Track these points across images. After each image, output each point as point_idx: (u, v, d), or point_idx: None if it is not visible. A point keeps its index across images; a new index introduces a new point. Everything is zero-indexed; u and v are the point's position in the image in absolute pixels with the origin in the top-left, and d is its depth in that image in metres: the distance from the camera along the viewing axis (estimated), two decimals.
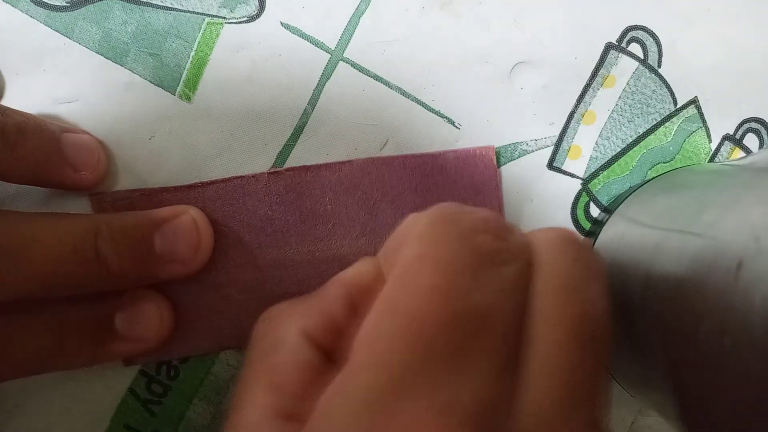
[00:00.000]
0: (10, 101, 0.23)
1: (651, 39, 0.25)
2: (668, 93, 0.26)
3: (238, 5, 0.23)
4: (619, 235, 0.23)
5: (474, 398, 0.13)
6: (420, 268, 0.15)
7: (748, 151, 0.26)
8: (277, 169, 0.24)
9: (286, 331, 0.16)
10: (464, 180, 0.25)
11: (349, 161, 0.24)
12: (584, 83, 0.25)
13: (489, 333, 0.14)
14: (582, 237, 0.17)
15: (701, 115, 0.26)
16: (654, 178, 0.25)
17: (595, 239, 0.25)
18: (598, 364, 0.15)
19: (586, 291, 0.16)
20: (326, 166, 0.24)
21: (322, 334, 0.16)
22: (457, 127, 0.25)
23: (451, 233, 0.15)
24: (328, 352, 0.16)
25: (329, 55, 0.24)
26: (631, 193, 0.25)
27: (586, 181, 0.26)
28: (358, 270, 0.18)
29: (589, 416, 0.14)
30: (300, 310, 0.17)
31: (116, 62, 0.23)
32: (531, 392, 0.14)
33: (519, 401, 0.14)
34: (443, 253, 0.15)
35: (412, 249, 0.15)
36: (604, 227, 0.24)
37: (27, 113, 0.21)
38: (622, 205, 0.24)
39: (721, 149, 0.26)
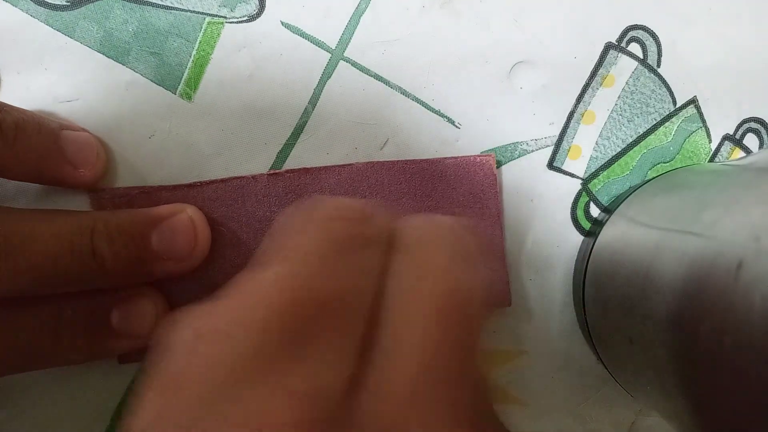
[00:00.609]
0: (11, 100, 0.23)
1: (651, 39, 0.25)
2: (667, 93, 0.26)
3: (238, 4, 0.23)
4: (619, 235, 0.23)
5: (307, 380, 0.13)
6: (267, 259, 0.15)
7: (748, 151, 0.26)
8: (277, 171, 0.24)
9: (180, 334, 0.16)
10: (464, 187, 0.25)
11: (349, 165, 0.24)
12: (583, 83, 0.25)
13: (336, 317, 0.14)
14: (454, 220, 0.17)
15: (701, 114, 0.26)
16: (654, 178, 0.25)
17: (595, 239, 0.25)
18: (462, 343, 0.15)
19: (445, 270, 0.15)
20: (326, 168, 0.24)
21: None
22: (457, 127, 0.25)
23: (302, 223, 0.15)
24: None
25: (330, 55, 0.24)
26: (631, 193, 0.25)
27: (586, 181, 0.26)
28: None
29: (451, 395, 0.14)
30: (197, 313, 0.17)
31: (117, 61, 0.23)
32: (381, 373, 0.14)
33: (370, 381, 0.13)
34: (290, 242, 0.15)
35: (264, 243, 0.16)
36: (604, 227, 0.24)
37: (26, 110, 0.21)
38: (622, 205, 0.24)
39: (721, 149, 0.26)
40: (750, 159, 0.23)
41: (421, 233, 0.16)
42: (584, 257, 0.25)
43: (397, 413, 0.13)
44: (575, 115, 0.25)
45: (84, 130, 0.23)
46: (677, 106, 0.26)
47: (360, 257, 0.15)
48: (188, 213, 0.22)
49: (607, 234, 0.24)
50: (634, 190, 0.25)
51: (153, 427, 0.13)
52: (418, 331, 0.14)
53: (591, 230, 0.26)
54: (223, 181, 0.24)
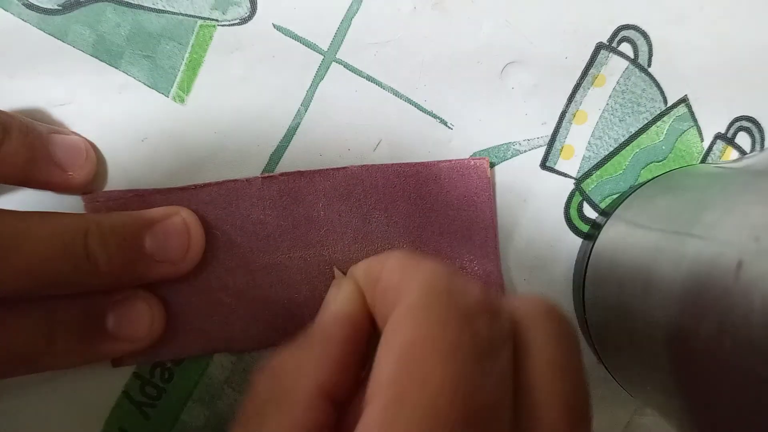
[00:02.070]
0: (5, 104, 0.23)
1: (642, 38, 0.25)
2: (658, 92, 0.26)
3: (230, 7, 0.23)
4: (619, 237, 0.23)
5: None
6: (424, 353, 0.14)
7: (740, 149, 0.26)
8: (271, 174, 0.24)
9: (298, 386, 0.16)
10: (458, 190, 0.25)
11: (343, 168, 0.24)
12: (575, 83, 0.25)
13: (496, 423, 0.14)
14: (561, 309, 0.17)
15: (692, 113, 0.26)
16: (651, 179, 0.25)
17: (594, 241, 0.25)
18: None
19: (570, 366, 0.16)
20: (320, 172, 0.24)
21: (339, 386, 0.16)
22: (449, 128, 0.25)
23: (451, 315, 0.15)
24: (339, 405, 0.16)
25: (322, 56, 0.24)
26: (628, 196, 0.25)
27: (579, 181, 0.26)
28: (344, 301, 0.17)
29: None
30: (311, 360, 0.16)
31: (110, 64, 0.23)
32: None
33: None
34: (446, 338, 0.14)
35: (410, 327, 0.15)
36: (603, 229, 0.24)
37: (13, 114, 0.21)
38: (620, 207, 0.24)
39: (714, 148, 0.26)
40: (747, 161, 0.23)
41: (539, 327, 0.16)
42: (584, 258, 0.25)
43: None
44: (567, 114, 0.25)
45: (75, 133, 0.23)
46: (668, 105, 0.26)
47: (503, 359, 0.15)
48: (182, 216, 0.22)
49: (606, 236, 0.24)
50: (632, 193, 0.25)
51: None
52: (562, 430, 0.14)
53: (590, 232, 0.26)
54: (217, 184, 0.24)
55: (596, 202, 0.26)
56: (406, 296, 0.15)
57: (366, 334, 0.18)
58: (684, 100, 0.26)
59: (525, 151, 0.25)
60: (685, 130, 0.26)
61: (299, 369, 0.16)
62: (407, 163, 0.24)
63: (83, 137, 0.23)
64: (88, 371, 0.24)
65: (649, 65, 0.25)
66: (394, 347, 0.15)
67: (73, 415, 0.24)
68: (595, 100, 0.25)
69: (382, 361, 0.15)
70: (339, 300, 0.18)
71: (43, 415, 0.24)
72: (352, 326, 0.17)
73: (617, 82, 0.25)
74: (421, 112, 0.25)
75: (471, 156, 0.25)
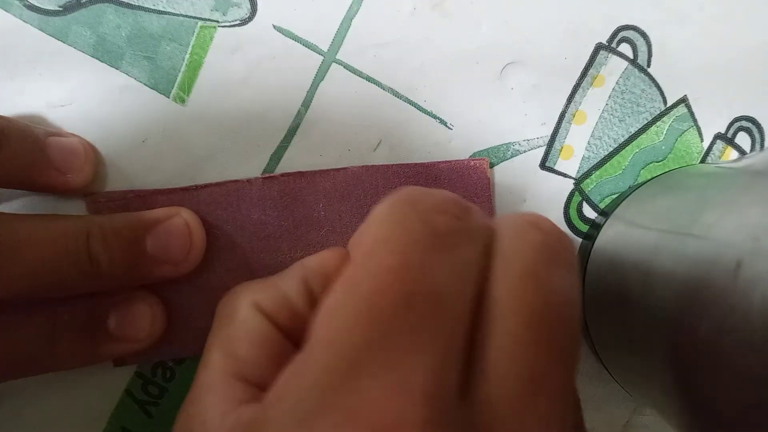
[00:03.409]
0: (5, 105, 0.23)
1: (641, 39, 0.25)
2: (658, 92, 0.26)
3: (230, 8, 0.24)
4: (618, 236, 0.23)
5: (428, 379, 0.12)
6: (377, 248, 0.15)
7: (740, 150, 0.26)
8: (272, 174, 0.24)
9: (239, 302, 0.17)
10: (457, 191, 0.25)
11: (343, 168, 0.24)
12: (574, 83, 0.25)
13: (444, 315, 0.13)
14: (550, 223, 0.17)
15: (692, 113, 0.26)
16: (651, 179, 0.25)
17: (594, 241, 0.25)
18: (562, 355, 0.14)
19: (549, 278, 0.15)
20: (321, 172, 0.24)
21: (275, 309, 0.17)
22: (449, 128, 0.25)
23: (409, 214, 0.15)
24: (286, 330, 0.17)
25: (322, 57, 0.24)
26: (628, 196, 0.25)
27: (578, 181, 0.26)
28: (322, 257, 0.18)
29: (551, 408, 0.13)
30: (257, 286, 0.18)
31: (112, 65, 0.23)
32: (487, 381, 0.13)
33: (475, 389, 0.13)
34: (400, 233, 0.15)
35: (372, 231, 0.15)
36: (603, 229, 0.24)
37: (11, 117, 0.21)
38: (619, 207, 0.24)
39: (713, 148, 0.26)
40: (746, 161, 0.23)
41: (519, 235, 0.16)
42: (583, 258, 0.25)
43: (505, 428, 0.13)
44: (566, 115, 0.25)
45: (74, 135, 0.23)
46: (668, 105, 0.26)
47: (463, 254, 0.15)
48: (183, 216, 0.22)
49: (605, 236, 0.24)
50: (631, 193, 0.25)
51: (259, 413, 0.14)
52: (520, 344, 0.14)
53: (589, 233, 0.26)
54: (218, 184, 0.24)
55: (596, 202, 0.26)
56: (374, 215, 0.16)
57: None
58: (684, 100, 0.26)
59: (525, 152, 0.25)
60: (684, 131, 0.26)
61: (246, 290, 0.18)
62: (407, 164, 0.24)
63: (82, 139, 0.23)
64: (90, 371, 0.24)
65: (649, 65, 0.26)
66: (355, 249, 0.16)
67: (76, 414, 0.24)
68: (594, 101, 0.25)
69: (348, 266, 0.15)
70: (313, 256, 0.18)
71: (47, 415, 0.24)
72: (309, 271, 0.18)
73: (617, 83, 0.25)
74: (420, 113, 0.25)
75: (471, 156, 0.25)
